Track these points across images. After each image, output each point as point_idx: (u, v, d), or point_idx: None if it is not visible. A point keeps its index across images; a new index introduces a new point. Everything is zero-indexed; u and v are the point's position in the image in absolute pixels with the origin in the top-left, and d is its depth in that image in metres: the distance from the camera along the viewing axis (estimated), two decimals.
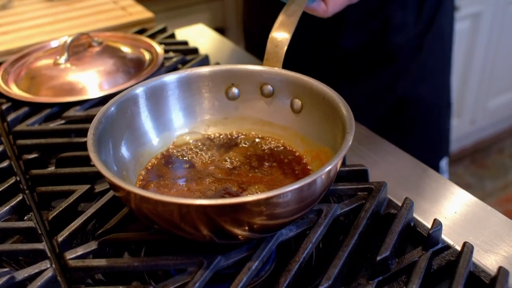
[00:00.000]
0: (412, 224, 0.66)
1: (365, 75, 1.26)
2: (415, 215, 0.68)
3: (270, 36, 0.74)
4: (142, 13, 1.29)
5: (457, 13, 2.31)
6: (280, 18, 0.75)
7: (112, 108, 0.65)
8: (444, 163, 1.36)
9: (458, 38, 2.41)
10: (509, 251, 0.65)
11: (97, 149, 0.58)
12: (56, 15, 1.30)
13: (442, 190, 0.77)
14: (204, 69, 0.74)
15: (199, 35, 1.32)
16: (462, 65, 2.50)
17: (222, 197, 0.64)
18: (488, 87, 2.75)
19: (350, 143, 0.57)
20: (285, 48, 0.73)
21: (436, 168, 1.35)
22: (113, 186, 0.55)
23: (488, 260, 0.64)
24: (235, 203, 0.51)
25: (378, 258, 0.58)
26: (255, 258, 0.57)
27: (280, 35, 0.73)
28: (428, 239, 0.62)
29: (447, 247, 0.64)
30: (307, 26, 1.17)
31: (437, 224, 0.63)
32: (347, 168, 0.73)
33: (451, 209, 0.73)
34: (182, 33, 1.31)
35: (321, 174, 0.53)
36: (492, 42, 2.56)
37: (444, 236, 0.65)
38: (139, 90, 0.69)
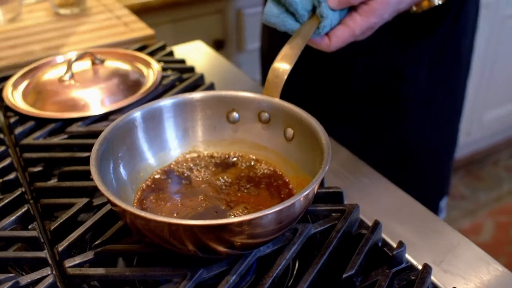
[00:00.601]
0: (380, 244, 0.73)
1: (371, 116, 1.27)
2: (385, 236, 0.75)
3: (272, 66, 0.78)
4: (143, 30, 1.36)
5: None
6: (283, 50, 0.80)
7: (112, 131, 0.72)
8: (444, 203, 1.39)
9: None
10: (467, 272, 0.72)
11: (99, 169, 0.65)
12: (63, 29, 1.37)
13: (414, 211, 0.84)
14: (209, 94, 0.81)
15: (197, 52, 1.39)
16: None
17: (211, 214, 0.71)
18: (484, 100, 2.81)
19: (322, 178, 0.63)
20: (285, 78, 0.78)
21: (436, 209, 1.37)
22: (111, 203, 0.62)
23: (447, 280, 0.71)
24: (218, 224, 0.58)
25: (344, 275, 0.65)
26: (233, 272, 0.64)
27: (282, 66, 0.79)
28: (392, 259, 0.69)
29: (410, 267, 0.70)
30: (319, 62, 1.22)
31: (401, 245, 0.70)
32: (324, 190, 0.80)
33: (420, 232, 0.79)
34: (180, 49, 1.38)
35: (286, 205, 0.59)
36: (489, 56, 2.63)
37: (409, 257, 0.72)
38: (137, 114, 0.76)
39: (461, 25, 1.20)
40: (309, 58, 1.20)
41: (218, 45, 2.11)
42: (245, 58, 2.25)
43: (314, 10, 0.85)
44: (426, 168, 1.34)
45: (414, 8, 0.94)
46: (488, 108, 2.88)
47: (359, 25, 0.83)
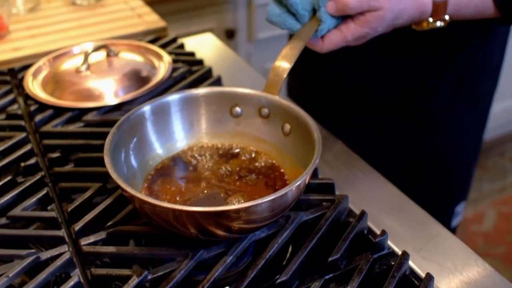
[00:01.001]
0: (365, 232, 0.80)
1: (394, 125, 1.27)
2: (371, 224, 0.83)
3: (273, 65, 0.86)
4: (156, 22, 1.43)
5: None
6: (284, 50, 0.87)
7: (124, 123, 0.79)
8: (460, 208, 1.39)
9: None
10: (443, 259, 0.79)
11: (112, 158, 0.72)
12: (79, 20, 1.45)
13: (401, 203, 0.91)
14: (214, 90, 0.89)
15: (207, 45, 1.46)
16: None
17: (211, 200, 0.78)
18: None
19: (312, 171, 0.71)
20: (285, 76, 0.85)
21: (450, 213, 1.38)
22: (123, 189, 0.70)
23: (424, 266, 0.78)
24: (217, 211, 0.66)
25: (330, 259, 0.73)
26: (230, 253, 0.72)
27: (282, 65, 0.86)
28: (375, 245, 0.76)
29: (392, 253, 0.78)
30: (342, 75, 1.25)
31: (383, 233, 0.77)
32: (317, 181, 0.87)
33: (405, 222, 0.87)
34: (191, 42, 1.45)
35: (279, 195, 0.67)
36: None
37: (391, 244, 0.80)
38: (147, 108, 0.83)
39: (491, 42, 1.20)
40: (335, 71, 1.25)
41: (229, 34, 2.18)
42: (255, 47, 2.31)
43: (314, 12, 0.91)
44: (445, 176, 1.34)
45: (414, 27, 0.97)
46: (495, 99, 2.92)
47: (352, 32, 0.89)
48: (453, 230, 1.40)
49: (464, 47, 1.16)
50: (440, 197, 1.36)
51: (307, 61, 1.29)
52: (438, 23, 0.94)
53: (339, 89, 1.29)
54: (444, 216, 1.36)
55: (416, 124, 1.25)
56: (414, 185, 1.24)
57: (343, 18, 0.91)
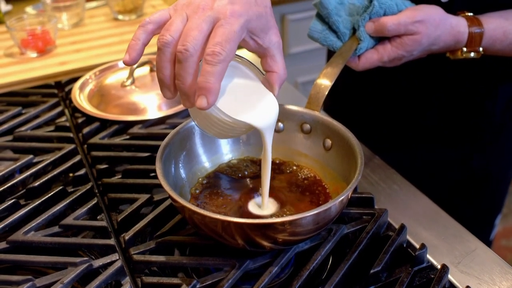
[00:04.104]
0: (404, 245, 0.82)
1: (442, 146, 1.26)
2: (409, 238, 0.85)
3: (314, 82, 0.89)
4: None
5: None
6: (325, 68, 0.90)
7: (174, 137, 0.83)
8: (498, 220, 1.39)
9: None
10: (481, 273, 0.81)
11: (163, 170, 0.76)
12: (121, 35, 1.49)
13: (437, 217, 0.93)
14: None
15: None
16: None
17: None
18: None
19: (355, 186, 0.73)
20: (326, 93, 0.88)
21: (491, 225, 1.37)
22: (173, 200, 0.73)
23: (463, 280, 0.80)
24: (265, 223, 0.69)
25: (371, 271, 0.75)
26: (275, 264, 0.75)
27: (323, 82, 0.89)
28: (415, 259, 0.79)
29: (430, 266, 0.80)
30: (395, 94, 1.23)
31: (423, 247, 0.79)
32: (357, 195, 0.89)
33: (442, 236, 0.88)
34: None
35: (323, 209, 0.69)
36: None
37: (430, 257, 0.82)
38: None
39: None
40: (383, 90, 1.24)
41: None
42: (287, 61, 2.33)
43: (354, 31, 0.94)
44: (491, 191, 1.34)
45: (448, 55, 0.98)
46: None
47: (388, 53, 0.92)
48: (490, 243, 1.40)
49: None
50: (483, 210, 1.36)
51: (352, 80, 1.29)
52: (472, 54, 0.96)
53: (389, 110, 1.27)
54: (485, 228, 1.37)
55: (466, 145, 1.25)
56: (459, 199, 1.25)
57: (381, 38, 0.94)
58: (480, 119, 1.21)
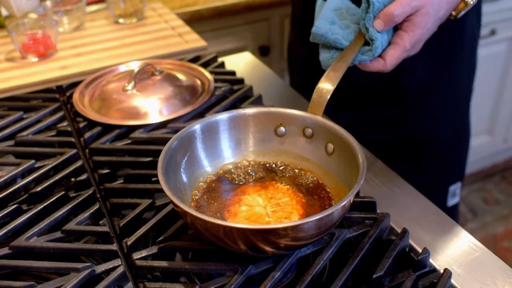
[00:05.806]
0: (407, 250, 0.82)
1: (376, 105, 1.34)
2: (412, 242, 0.85)
3: (316, 86, 0.89)
4: (197, 41, 1.47)
5: (493, 37, 2.43)
6: (327, 72, 0.90)
7: (176, 142, 0.83)
8: (453, 188, 1.44)
9: (494, 60, 2.52)
10: (483, 277, 0.81)
11: (165, 175, 0.76)
12: (122, 39, 1.49)
13: (440, 221, 0.93)
14: (261, 110, 0.92)
15: (245, 63, 1.49)
16: (497, 86, 2.63)
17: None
18: None
19: (357, 190, 0.73)
20: (328, 98, 0.88)
21: (445, 192, 1.44)
22: (175, 205, 0.73)
23: (465, 284, 0.80)
24: (267, 228, 0.69)
25: (374, 276, 0.75)
26: (278, 269, 0.75)
27: (325, 86, 0.89)
28: (417, 263, 0.79)
29: (433, 271, 0.80)
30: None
31: (425, 251, 0.79)
32: (359, 199, 0.90)
33: (444, 239, 0.89)
34: (229, 60, 1.49)
35: (325, 214, 0.69)
36: None
37: (432, 262, 0.82)
38: (197, 127, 0.87)
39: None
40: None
41: (263, 51, 2.21)
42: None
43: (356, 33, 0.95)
44: (436, 155, 1.40)
45: (453, 13, 1.00)
46: None
47: (408, 40, 0.92)
48: (449, 210, 1.45)
49: None
50: (433, 176, 1.41)
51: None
52: (472, 1, 0.98)
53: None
54: (438, 195, 1.42)
55: (398, 100, 1.31)
56: (404, 164, 1.26)
57: (391, 32, 0.94)
58: (404, 78, 1.27)
